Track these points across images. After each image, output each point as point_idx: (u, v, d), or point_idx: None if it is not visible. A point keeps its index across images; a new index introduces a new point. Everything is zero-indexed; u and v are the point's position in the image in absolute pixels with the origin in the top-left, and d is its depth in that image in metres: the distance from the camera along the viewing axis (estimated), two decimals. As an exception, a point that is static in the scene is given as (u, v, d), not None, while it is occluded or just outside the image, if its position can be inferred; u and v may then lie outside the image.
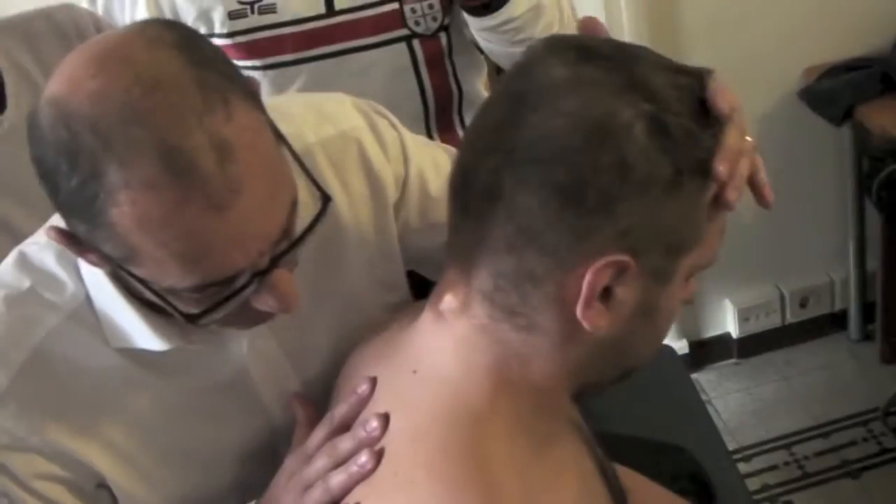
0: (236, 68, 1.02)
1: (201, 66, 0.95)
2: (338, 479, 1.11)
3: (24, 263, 1.18)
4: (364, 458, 1.08)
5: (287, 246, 1.02)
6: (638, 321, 1.04)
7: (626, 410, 1.72)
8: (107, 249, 0.98)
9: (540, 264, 0.98)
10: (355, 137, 1.29)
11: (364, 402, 1.14)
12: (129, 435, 1.20)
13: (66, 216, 0.99)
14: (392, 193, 1.31)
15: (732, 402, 3.19)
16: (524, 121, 0.97)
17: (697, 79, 1.01)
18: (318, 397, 1.29)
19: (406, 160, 1.33)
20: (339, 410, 1.17)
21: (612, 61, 0.98)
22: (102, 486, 1.24)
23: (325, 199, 1.07)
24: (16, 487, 1.19)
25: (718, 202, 1.01)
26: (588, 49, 1.00)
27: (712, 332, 3.36)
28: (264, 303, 1.05)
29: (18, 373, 1.15)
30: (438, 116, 1.92)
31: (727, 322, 3.33)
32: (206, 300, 1.01)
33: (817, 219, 3.16)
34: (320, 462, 1.15)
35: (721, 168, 0.99)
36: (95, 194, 0.92)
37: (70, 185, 0.93)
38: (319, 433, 1.19)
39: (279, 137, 1.02)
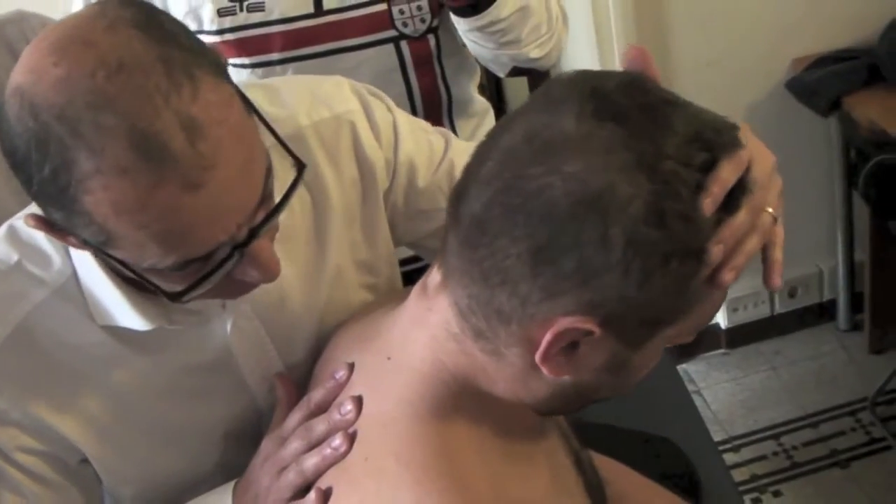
0: (198, 39, 1.01)
1: (164, 42, 0.95)
2: (311, 461, 1.12)
3: (13, 238, 1.19)
4: (337, 441, 1.09)
5: (265, 216, 1.02)
6: (604, 376, 1.02)
7: (610, 401, 1.72)
8: (85, 235, 0.98)
9: (509, 306, 0.96)
10: (349, 120, 1.29)
11: (341, 387, 1.15)
12: (112, 412, 1.21)
13: (41, 205, 0.99)
14: (382, 178, 1.32)
15: (721, 392, 3.19)
16: (526, 168, 0.93)
17: (721, 151, 0.94)
18: (301, 380, 1.30)
19: (397, 146, 1.33)
20: (316, 394, 1.18)
21: (631, 128, 0.92)
22: (86, 461, 1.25)
23: (300, 166, 1.07)
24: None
25: (713, 280, 0.96)
26: (610, 106, 0.93)
27: (701, 322, 3.34)
28: (247, 274, 1.05)
29: (2, 346, 1.15)
30: (427, 119, 1.91)
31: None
32: (188, 277, 1.02)
33: (805, 209, 3.16)
34: (295, 444, 1.17)
35: (715, 250, 0.93)
36: (68, 183, 0.92)
37: (42, 175, 0.93)
38: (296, 416, 1.20)
39: (249, 107, 1.02)
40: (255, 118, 1.03)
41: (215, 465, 1.31)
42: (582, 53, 2.83)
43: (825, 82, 2.78)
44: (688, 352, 3.31)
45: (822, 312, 3.37)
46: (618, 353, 0.99)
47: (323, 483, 1.09)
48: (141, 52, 0.93)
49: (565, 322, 0.93)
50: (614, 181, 0.89)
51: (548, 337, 0.95)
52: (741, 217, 0.95)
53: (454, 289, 1.02)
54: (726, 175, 0.94)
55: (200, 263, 1.00)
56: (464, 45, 1.87)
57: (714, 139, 0.94)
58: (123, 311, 1.13)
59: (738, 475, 2.87)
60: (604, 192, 0.89)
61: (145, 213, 0.93)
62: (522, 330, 0.97)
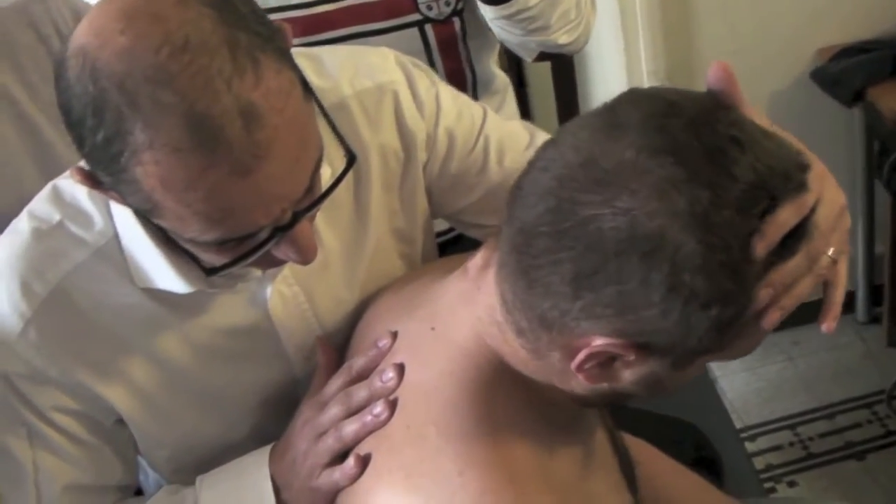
0: (269, 23, 1.00)
1: (233, 25, 0.95)
2: (351, 427, 1.13)
3: (57, 197, 1.20)
4: (379, 408, 1.09)
5: (309, 203, 1.02)
6: (641, 388, 1.03)
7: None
8: (130, 201, 0.99)
9: (550, 316, 0.96)
10: (392, 90, 1.30)
11: (383, 355, 1.15)
12: (149, 374, 1.22)
13: (91, 166, 0.99)
14: (422, 149, 1.32)
15: (738, 381, 3.18)
16: (580, 194, 0.92)
17: (785, 196, 0.92)
18: (339, 348, 1.30)
19: (438, 118, 1.33)
20: (358, 361, 1.18)
21: (690, 171, 0.89)
22: (121, 422, 1.27)
23: (351, 157, 1.07)
24: (34, 418, 1.22)
25: (758, 320, 0.95)
26: (673, 142, 0.90)
27: (719, 311, 3.33)
28: (284, 254, 1.06)
29: (42, 305, 1.16)
30: None
31: (735, 302, 3.31)
32: (227, 253, 1.02)
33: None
34: (334, 410, 1.17)
35: (763, 294, 0.93)
36: (120, 151, 0.93)
37: (95, 139, 0.93)
38: (336, 381, 1.20)
39: (309, 93, 1.02)
40: (314, 103, 1.03)
41: (250, 432, 1.32)
42: (607, 39, 2.83)
43: (850, 72, 2.77)
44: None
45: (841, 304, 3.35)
46: (655, 371, 0.98)
47: (362, 450, 1.09)
48: (209, 32, 0.93)
49: (601, 343, 0.93)
50: (664, 226, 0.88)
51: (582, 355, 0.95)
52: (795, 262, 0.94)
53: (502, 282, 1.02)
54: (784, 219, 0.92)
55: (239, 241, 1.01)
56: (489, 29, 1.86)
57: (779, 186, 0.92)
58: (164, 274, 1.13)
59: (754, 464, 2.86)
60: (652, 236, 0.88)
61: (191, 192, 0.94)
62: (562, 338, 0.97)
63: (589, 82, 3.17)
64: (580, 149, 0.94)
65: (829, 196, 0.98)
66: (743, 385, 3.17)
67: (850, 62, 2.79)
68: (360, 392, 1.14)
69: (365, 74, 1.29)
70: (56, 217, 1.18)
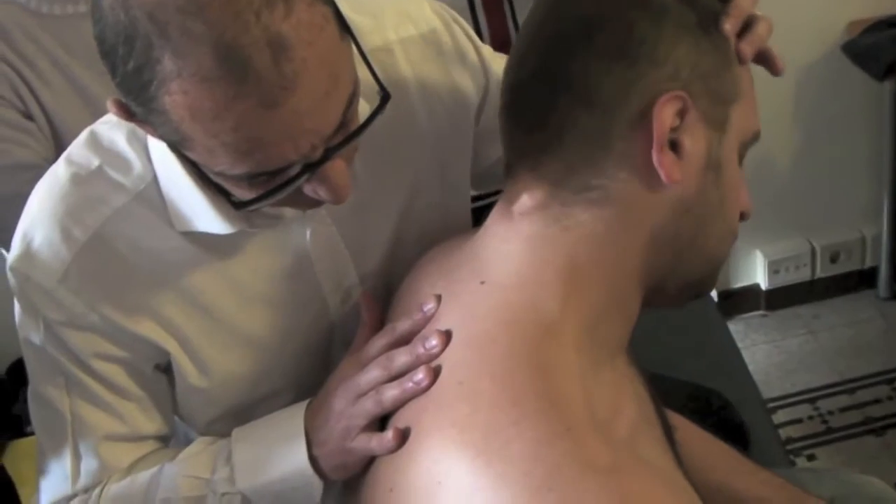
0: None
1: None
2: (391, 392, 1.11)
3: (95, 142, 1.19)
4: (420, 374, 1.07)
5: (342, 139, 1.01)
6: (708, 183, 1.06)
7: (662, 352, 1.72)
8: (161, 132, 0.98)
9: (604, 124, 1.02)
10: (435, 40, 1.29)
11: (427, 319, 1.13)
12: (188, 317, 1.22)
13: (123, 96, 0.98)
14: (473, 97, 1.32)
15: (759, 353, 3.19)
16: (569, 9, 1.06)
17: None
18: (374, 291, 1.30)
19: (485, 67, 1.34)
20: (402, 324, 1.16)
21: None
22: (159, 368, 1.27)
23: (385, 96, 1.06)
24: (73, 366, 1.22)
25: (738, 56, 1.08)
26: None
27: (741, 282, 3.36)
28: (316, 192, 1.05)
29: (81, 250, 1.16)
30: None
31: (756, 273, 3.33)
32: (257, 187, 1.01)
33: (852, 174, 3.14)
34: (374, 372, 1.15)
35: (727, 25, 1.06)
36: (150, 81, 0.92)
37: (126, 68, 0.93)
38: (378, 343, 1.18)
39: (346, 31, 1.00)
40: (351, 42, 1.02)
41: (286, 378, 1.32)
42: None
43: (881, 46, 2.75)
44: (727, 312, 3.30)
45: (863, 279, 3.36)
46: (711, 142, 1.05)
47: (410, 411, 1.09)
48: None
49: (662, 98, 1.01)
50: None
51: (655, 114, 1.01)
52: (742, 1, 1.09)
53: (544, 170, 1.06)
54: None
55: (270, 177, 1.00)
56: None
57: None
58: (203, 216, 1.12)
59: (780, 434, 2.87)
60: None
61: (219, 123, 0.93)
62: (626, 144, 1.02)
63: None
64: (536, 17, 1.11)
65: None
66: (764, 358, 3.17)
67: (882, 36, 2.78)
68: (402, 357, 1.12)
69: (407, 20, 1.29)
70: (95, 162, 1.18)
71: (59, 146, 1.62)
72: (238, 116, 0.92)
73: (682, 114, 1.02)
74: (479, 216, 1.33)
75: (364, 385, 1.16)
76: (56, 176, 1.20)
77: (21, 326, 1.24)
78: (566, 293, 1.04)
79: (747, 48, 1.08)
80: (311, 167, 1.00)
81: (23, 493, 2.29)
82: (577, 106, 1.02)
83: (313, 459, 1.20)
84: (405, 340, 1.14)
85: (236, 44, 0.89)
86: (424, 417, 1.05)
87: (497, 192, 1.61)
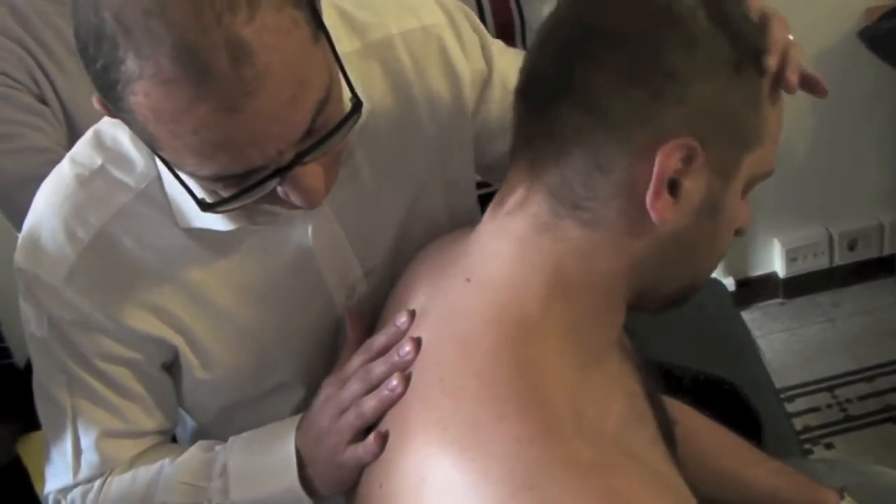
0: None
1: None
2: (370, 403, 1.13)
3: (98, 141, 1.20)
4: (394, 381, 1.09)
5: (312, 144, 1.00)
6: (702, 220, 1.05)
7: (674, 342, 1.72)
8: (133, 130, 0.98)
9: (608, 148, 1.00)
10: (437, 34, 1.28)
11: (402, 334, 1.14)
12: (193, 312, 1.23)
13: (98, 92, 0.98)
14: (470, 93, 1.31)
15: (776, 341, 3.18)
16: (592, 14, 1.02)
17: None
18: (378, 286, 1.31)
19: (489, 62, 1.33)
20: (378, 340, 1.18)
21: None
22: (165, 367, 1.28)
23: (356, 104, 1.04)
24: (76, 365, 1.23)
25: (777, 88, 1.05)
26: None
27: (759, 270, 3.35)
28: (288, 196, 1.04)
29: (86, 250, 1.17)
30: None
31: (774, 261, 3.32)
32: (229, 188, 1.01)
33: (870, 162, 3.13)
34: (354, 386, 1.18)
35: (772, 60, 1.03)
36: (116, 80, 0.92)
37: (96, 67, 0.93)
38: (357, 360, 1.21)
39: (322, 34, 0.99)
40: (325, 44, 1.00)
41: (294, 373, 1.33)
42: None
43: (898, 32, 2.74)
44: (744, 300, 3.30)
45: (881, 266, 3.35)
46: (713, 188, 1.03)
47: (398, 410, 1.10)
48: None
49: (670, 144, 0.98)
50: None
51: (658, 160, 0.99)
52: (777, 31, 1.05)
53: (542, 174, 1.04)
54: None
55: (240, 179, 0.99)
56: None
57: None
58: (206, 213, 1.12)
59: (794, 425, 2.86)
60: (672, 5, 0.99)
61: (180, 125, 0.92)
62: (626, 175, 1.00)
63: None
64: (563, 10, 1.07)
65: None
66: (782, 346, 3.16)
67: (899, 22, 2.76)
68: (380, 367, 1.14)
69: (409, 14, 1.28)
70: (98, 161, 1.18)
71: (72, 131, 1.63)
72: (198, 119, 0.92)
73: (688, 160, 0.99)
74: (485, 204, 1.34)
75: (346, 400, 1.18)
76: (61, 176, 1.20)
77: (26, 322, 1.24)
78: (549, 297, 1.05)
79: (793, 77, 1.05)
80: (280, 172, 0.99)
81: (39, 485, 2.30)
82: (582, 117, 1.01)
83: (306, 479, 1.22)
84: (382, 355, 1.15)
85: (195, 46, 0.89)
86: (410, 414, 1.06)
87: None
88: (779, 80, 1.05)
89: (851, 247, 3.28)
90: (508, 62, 1.33)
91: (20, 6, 1.62)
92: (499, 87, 1.33)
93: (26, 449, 2.50)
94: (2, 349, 2.72)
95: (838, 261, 3.31)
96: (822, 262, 3.30)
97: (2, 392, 2.64)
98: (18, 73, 1.59)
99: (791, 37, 1.07)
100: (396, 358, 1.12)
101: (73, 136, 1.58)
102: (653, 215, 1.00)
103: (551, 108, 1.03)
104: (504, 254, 1.07)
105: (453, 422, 0.99)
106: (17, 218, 1.35)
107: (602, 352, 1.08)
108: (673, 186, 1.00)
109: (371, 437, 1.11)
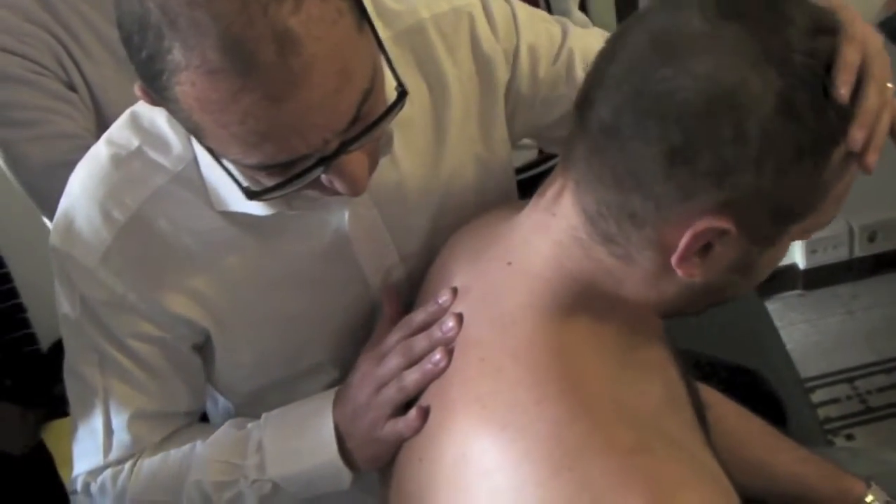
0: None
1: None
2: (412, 377, 1.14)
3: (135, 123, 1.21)
4: (438, 355, 1.10)
5: (357, 133, 1.00)
6: (734, 276, 1.04)
7: (698, 331, 1.72)
8: (177, 119, 0.99)
9: (643, 209, 0.97)
10: (468, 13, 1.29)
11: (443, 311, 1.15)
12: (227, 295, 1.24)
13: (142, 82, 0.99)
14: (503, 72, 1.31)
15: (796, 333, 3.17)
16: (655, 71, 0.94)
17: (839, 35, 0.96)
18: (415, 272, 1.31)
19: (518, 35, 1.32)
20: (418, 316, 1.19)
21: (755, 22, 0.93)
22: (195, 348, 1.29)
23: (402, 92, 1.05)
24: (108, 344, 1.24)
25: (852, 162, 0.98)
26: (731, 5, 0.95)
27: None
28: (332, 184, 1.05)
29: (121, 231, 1.18)
30: None
31: (794, 252, 3.31)
32: (274, 177, 1.02)
33: (890, 154, 3.07)
34: (394, 361, 1.18)
35: (858, 136, 0.96)
36: (161, 70, 0.93)
37: (141, 56, 0.94)
38: (395, 335, 1.21)
39: (366, 23, 1.00)
40: (369, 33, 1.01)
41: (329, 357, 1.33)
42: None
43: (920, 23, 2.73)
44: (764, 291, 3.29)
45: (902, 259, 3.34)
46: (749, 252, 1.00)
47: (436, 386, 1.10)
48: None
49: (702, 223, 0.95)
50: (746, 77, 0.91)
51: (685, 239, 0.96)
52: (871, 97, 0.97)
53: (582, 195, 1.02)
54: (851, 58, 0.95)
55: (284, 167, 1.00)
56: None
57: (832, 25, 0.96)
58: (242, 196, 1.13)
59: (817, 413, 2.86)
60: (737, 89, 0.91)
61: (226, 115, 0.93)
62: (657, 233, 0.98)
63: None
64: (640, 34, 0.98)
65: (867, 32, 1.01)
66: (802, 337, 3.15)
67: (921, 13, 2.75)
68: (421, 342, 1.15)
69: None
70: (134, 143, 1.19)
71: (101, 118, 1.63)
72: (244, 109, 0.92)
73: (721, 234, 0.97)
74: (521, 188, 1.33)
75: (386, 374, 1.19)
76: (97, 157, 1.21)
77: (59, 303, 1.25)
78: (584, 296, 1.05)
79: (872, 158, 0.99)
80: (325, 160, 1.00)
81: (64, 471, 2.31)
82: (622, 173, 0.97)
83: (345, 452, 1.23)
84: (421, 331, 1.16)
85: (242, 37, 0.89)
86: (451, 391, 1.07)
87: (539, 165, 1.60)
88: (856, 156, 0.98)
89: (871, 239, 3.27)
90: (534, 32, 1.34)
91: None
92: (526, 59, 1.32)
93: (51, 435, 2.51)
94: (28, 336, 2.74)
95: (858, 252, 3.30)
96: (841, 254, 3.29)
97: (27, 378, 2.66)
98: (46, 59, 1.60)
99: (890, 85, 1.01)
100: (439, 333, 1.12)
101: (100, 123, 1.59)
102: (679, 272, 1.00)
103: (598, 142, 0.99)
104: (544, 249, 1.07)
105: (493, 401, 1.00)
106: (46, 204, 1.35)
107: (638, 340, 1.09)
108: (703, 248, 0.98)
109: (413, 411, 1.11)
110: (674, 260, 0.98)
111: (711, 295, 1.07)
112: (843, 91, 0.94)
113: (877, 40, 1.01)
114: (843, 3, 1.02)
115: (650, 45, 0.96)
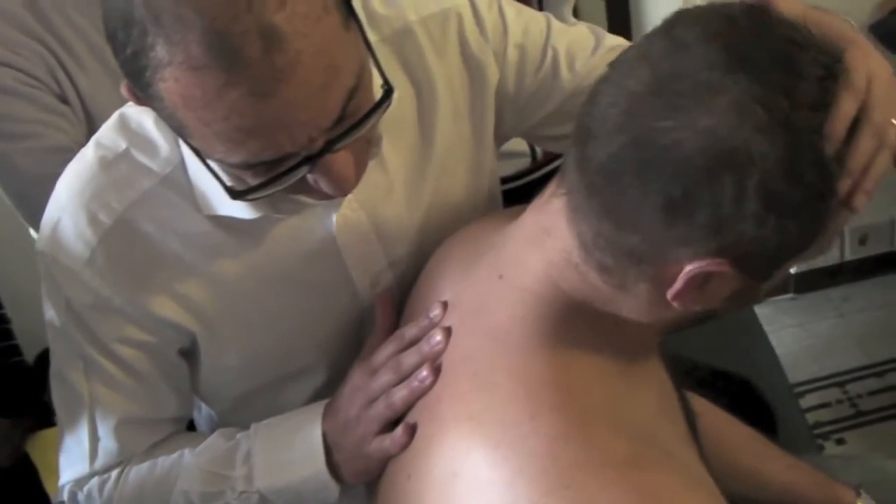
0: None
1: None
2: (400, 394, 1.13)
3: (123, 125, 1.20)
4: (424, 372, 1.10)
5: (342, 131, 1.00)
6: (731, 304, 1.02)
7: (687, 336, 1.71)
8: (162, 117, 0.98)
9: (640, 248, 0.95)
10: (457, 13, 1.28)
11: (433, 325, 1.14)
12: (214, 299, 1.23)
13: (126, 78, 0.98)
14: (493, 73, 1.31)
15: (787, 337, 3.17)
16: (656, 121, 0.91)
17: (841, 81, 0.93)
18: (403, 276, 1.31)
19: (506, 35, 1.31)
20: (410, 331, 1.18)
21: (763, 80, 0.89)
22: (182, 352, 1.28)
23: (388, 90, 1.04)
24: (93, 349, 1.23)
25: (847, 206, 0.96)
26: (738, 54, 0.91)
27: (770, 266, 3.33)
28: (318, 183, 1.04)
29: (107, 233, 1.17)
30: None
31: (785, 257, 3.30)
32: (259, 176, 1.01)
33: (881, 157, 3.12)
34: (385, 377, 1.17)
35: (843, 186, 0.94)
36: (145, 67, 0.92)
37: (125, 53, 0.93)
38: (387, 349, 1.20)
39: (353, 20, 0.99)
40: (356, 31, 1.01)
41: (317, 361, 1.33)
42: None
43: (911, 26, 2.73)
44: (755, 295, 3.29)
45: (892, 261, 3.34)
46: (747, 285, 0.98)
47: (427, 401, 1.09)
48: None
49: (699, 266, 0.93)
50: (749, 139, 0.88)
51: (682, 279, 0.94)
52: (864, 143, 0.95)
53: (579, 224, 1.00)
54: (845, 108, 0.93)
55: (269, 166, 0.99)
56: None
57: (839, 72, 0.93)
58: (229, 199, 1.10)
59: (807, 420, 2.86)
60: (739, 150, 0.88)
61: (210, 111, 0.92)
62: (653, 269, 0.96)
63: None
64: (642, 75, 0.93)
65: (876, 68, 0.98)
66: (792, 341, 3.15)
67: (912, 15, 2.75)
68: (411, 357, 1.14)
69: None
70: (122, 145, 1.19)
71: (93, 130, 1.63)
72: (229, 105, 0.92)
73: (717, 272, 0.95)
74: (516, 199, 1.33)
75: (376, 390, 1.18)
76: (84, 159, 1.21)
77: (46, 308, 1.25)
78: (577, 310, 1.04)
79: (860, 200, 0.96)
80: (311, 159, 0.99)
81: (49, 482, 2.30)
82: (625, 220, 0.95)
83: (333, 465, 1.22)
84: (413, 345, 1.15)
85: (226, 32, 0.89)
86: (440, 407, 1.06)
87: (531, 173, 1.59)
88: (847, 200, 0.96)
89: (862, 241, 3.27)
90: (522, 31, 1.33)
91: (40, 4, 1.62)
92: (514, 59, 1.32)
93: (35, 447, 2.50)
94: (12, 347, 2.73)
95: (849, 256, 3.30)
96: (832, 257, 3.29)
97: (12, 390, 2.65)
98: (39, 71, 1.59)
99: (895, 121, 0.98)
100: (426, 348, 1.12)
101: (92, 134, 1.59)
102: (674, 305, 0.98)
103: (597, 180, 0.96)
104: (534, 268, 1.05)
105: (486, 417, 0.99)
106: (35, 217, 1.34)
107: (634, 349, 1.08)
108: (700, 283, 0.97)
109: (399, 428, 1.11)
110: (670, 295, 0.97)
111: (709, 314, 1.06)
112: (831, 144, 0.91)
113: (887, 71, 0.99)
114: (854, 38, 0.99)
115: (651, 91, 0.92)
